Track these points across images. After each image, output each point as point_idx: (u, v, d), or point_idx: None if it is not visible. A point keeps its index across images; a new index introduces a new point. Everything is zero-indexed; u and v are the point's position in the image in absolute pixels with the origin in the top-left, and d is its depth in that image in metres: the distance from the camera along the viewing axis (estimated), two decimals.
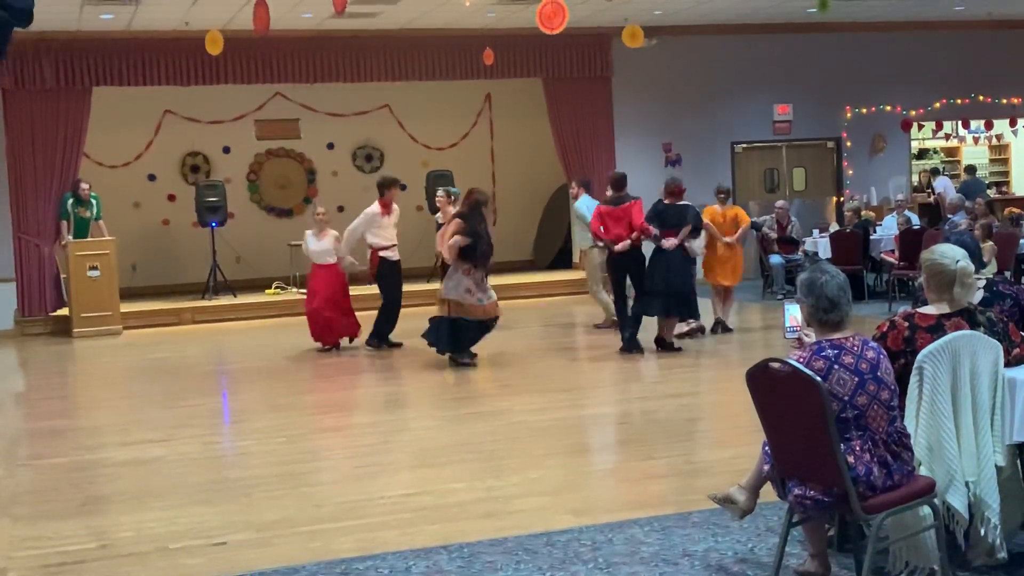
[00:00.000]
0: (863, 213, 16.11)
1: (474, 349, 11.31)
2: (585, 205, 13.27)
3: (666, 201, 11.82)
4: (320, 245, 12.60)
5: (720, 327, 12.72)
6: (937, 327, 4.92)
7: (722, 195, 13.13)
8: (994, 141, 23.23)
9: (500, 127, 20.29)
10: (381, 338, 12.61)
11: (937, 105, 19.94)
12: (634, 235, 11.40)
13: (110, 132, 17.68)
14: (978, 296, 5.39)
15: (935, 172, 21.30)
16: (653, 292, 11.40)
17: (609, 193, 11.99)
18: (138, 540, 6.04)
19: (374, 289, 12.75)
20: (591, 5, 15.46)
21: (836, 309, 4.61)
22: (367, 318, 12.75)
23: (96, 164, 17.82)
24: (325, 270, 12.59)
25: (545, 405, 9.34)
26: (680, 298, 11.49)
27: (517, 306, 15.95)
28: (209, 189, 17.27)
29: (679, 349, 11.58)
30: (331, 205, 19.02)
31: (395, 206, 12.58)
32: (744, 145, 19.26)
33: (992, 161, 23.61)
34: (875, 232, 15.81)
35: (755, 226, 16.69)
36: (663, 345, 11.57)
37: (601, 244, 12.15)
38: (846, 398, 4.46)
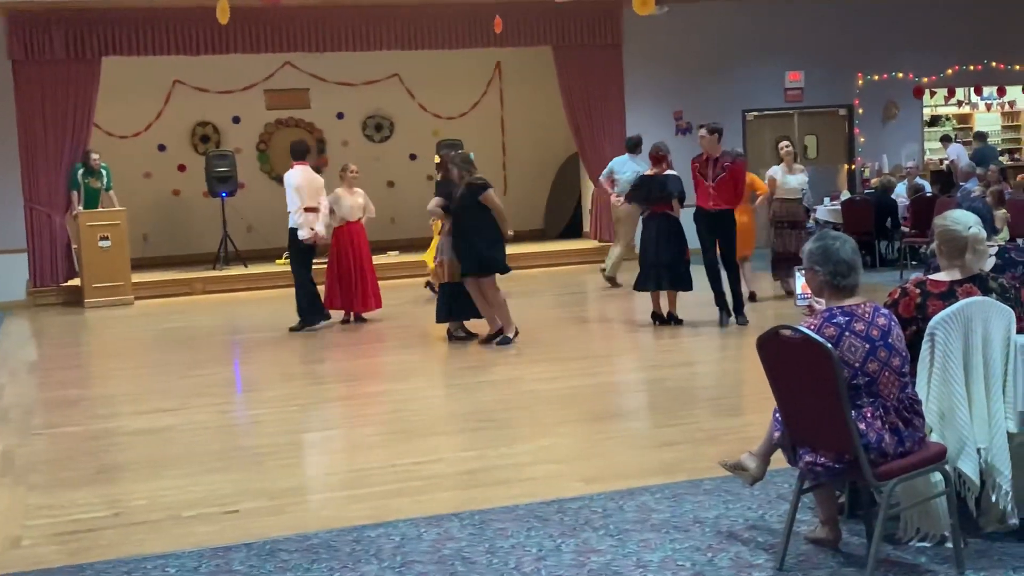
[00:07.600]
0: (874, 182, 15.98)
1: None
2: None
3: (650, 172, 11.35)
4: (353, 201, 12.47)
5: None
6: (949, 294, 4.91)
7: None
8: (1006, 108, 23.05)
9: (510, 96, 20.21)
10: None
11: (949, 72, 19.80)
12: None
13: (120, 102, 17.65)
14: (990, 263, 5.37)
15: (946, 139, 21.06)
16: (645, 266, 11.11)
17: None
18: (152, 508, 6.09)
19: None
20: None
21: (853, 272, 4.62)
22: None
23: (106, 134, 17.81)
24: (355, 225, 12.49)
25: (557, 373, 9.36)
26: (671, 271, 11.01)
27: (528, 275, 15.95)
28: (219, 159, 17.28)
29: (681, 321, 11.20)
30: None
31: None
32: (755, 113, 19.16)
33: (1005, 128, 23.42)
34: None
35: None
36: (663, 319, 11.22)
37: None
38: (857, 365, 4.46)
